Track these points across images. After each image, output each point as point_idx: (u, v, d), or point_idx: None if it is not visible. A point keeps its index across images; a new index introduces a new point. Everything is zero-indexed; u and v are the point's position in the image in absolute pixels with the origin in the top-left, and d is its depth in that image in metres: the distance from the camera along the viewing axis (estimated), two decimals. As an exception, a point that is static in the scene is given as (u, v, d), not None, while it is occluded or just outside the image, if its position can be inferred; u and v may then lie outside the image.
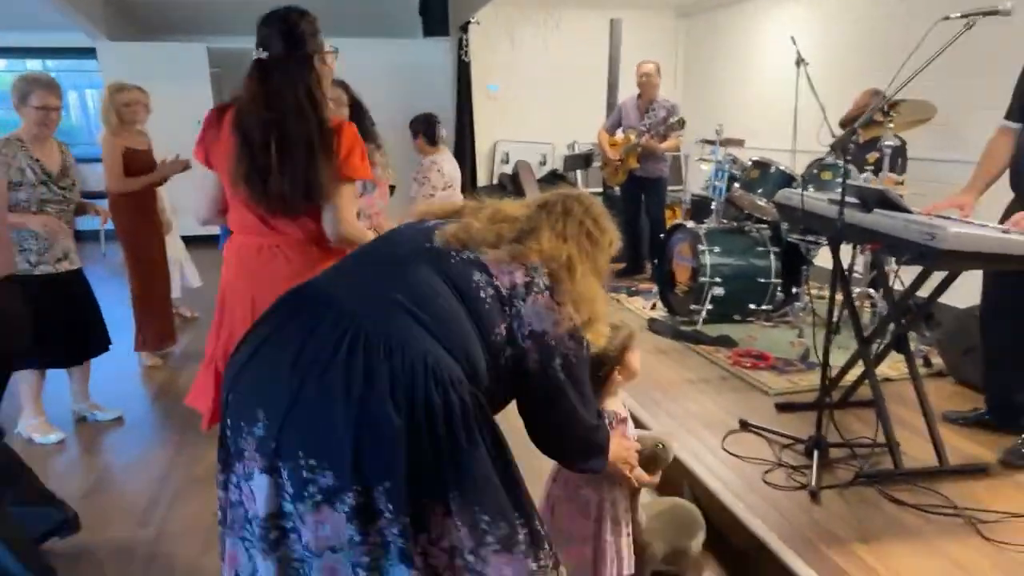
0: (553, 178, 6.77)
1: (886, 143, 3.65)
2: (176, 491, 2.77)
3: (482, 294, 1.29)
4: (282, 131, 1.86)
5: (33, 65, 8.53)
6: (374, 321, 1.21)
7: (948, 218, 2.46)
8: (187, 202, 2.35)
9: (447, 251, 1.33)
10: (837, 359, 2.98)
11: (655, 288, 4.80)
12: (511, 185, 6.63)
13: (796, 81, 4.49)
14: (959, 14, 2.37)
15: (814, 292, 4.63)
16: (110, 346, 3.38)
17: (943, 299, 2.63)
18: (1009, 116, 2.74)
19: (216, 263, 2.26)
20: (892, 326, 2.79)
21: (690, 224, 4.50)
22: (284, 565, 1.23)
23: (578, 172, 6.79)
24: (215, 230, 4.49)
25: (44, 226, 2.92)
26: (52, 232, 2.95)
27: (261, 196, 1.89)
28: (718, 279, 4.18)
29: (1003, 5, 2.28)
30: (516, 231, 1.38)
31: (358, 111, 3.20)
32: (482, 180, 7.04)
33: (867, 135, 4.16)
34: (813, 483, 2.40)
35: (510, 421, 1.41)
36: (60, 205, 3.04)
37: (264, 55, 1.86)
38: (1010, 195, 2.72)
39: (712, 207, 4.72)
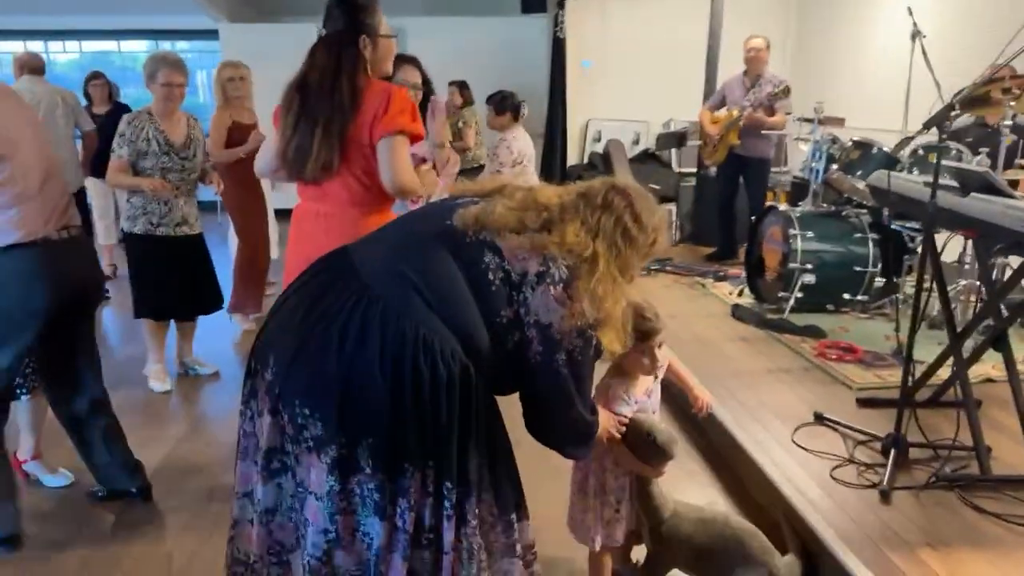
0: (645, 157, 6.62)
1: (1005, 124, 3.32)
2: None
3: (490, 276, 1.30)
4: (303, 103, 2.00)
5: (165, 46, 9.23)
6: (380, 291, 1.28)
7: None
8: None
9: (463, 231, 1.34)
10: (934, 355, 2.78)
11: (744, 274, 4.63)
12: (602, 164, 6.54)
13: (911, 56, 4.16)
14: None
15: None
16: (222, 305, 3.66)
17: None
18: None
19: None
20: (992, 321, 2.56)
21: (783, 207, 4.29)
22: (278, 494, 1.34)
23: (672, 151, 6.61)
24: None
25: (151, 188, 3.20)
26: (157, 192, 3.22)
27: (284, 164, 2.07)
28: (809, 265, 3.97)
29: None
30: (542, 220, 1.36)
31: (426, 88, 3.27)
32: (573, 159, 6.99)
33: (996, 116, 3.80)
34: (885, 482, 2.26)
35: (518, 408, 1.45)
36: (181, 174, 3.32)
37: (323, 32, 1.97)
38: None
39: (810, 190, 4.48)
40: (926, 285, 2.43)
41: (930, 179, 2.33)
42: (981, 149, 3.50)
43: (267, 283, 4.56)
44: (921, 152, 3.77)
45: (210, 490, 2.59)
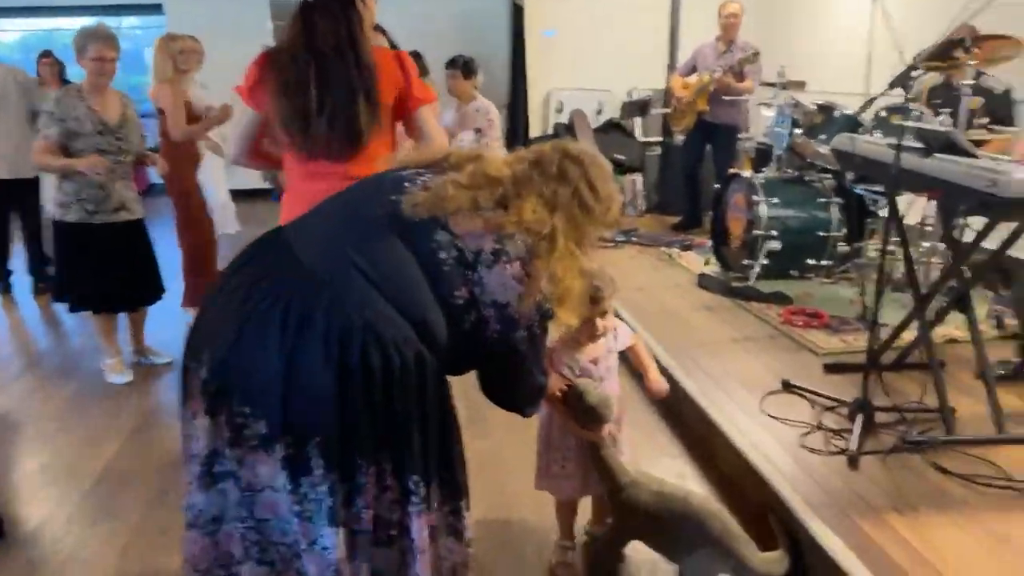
0: (609, 127, 6.53)
1: (966, 84, 3.30)
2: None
3: (442, 255, 1.22)
4: (320, 71, 1.85)
5: (110, 23, 8.82)
6: (323, 277, 1.19)
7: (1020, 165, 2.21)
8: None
9: (410, 213, 1.25)
10: (900, 319, 2.78)
11: (710, 243, 4.60)
12: (566, 135, 6.45)
13: (871, 19, 4.13)
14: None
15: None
16: (163, 295, 3.50)
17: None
18: None
19: (263, 215, 2.29)
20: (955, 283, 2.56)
21: (747, 173, 4.25)
22: (222, 501, 1.25)
23: (636, 120, 6.53)
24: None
25: (88, 165, 2.99)
26: (93, 168, 2.99)
27: (303, 140, 1.90)
28: (774, 232, 3.95)
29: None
30: (497, 196, 1.27)
31: None
32: (536, 130, 6.86)
33: (960, 77, 3.77)
34: (853, 448, 2.25)
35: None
36: (117, 156, 3.13)
37: None
38: None
39: (773, 155, 4.44)
40: (890, 248, 2.41)
41: (894, 141, 2.30)
42: (944, 110, 3.48)
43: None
44: (883, 114, 3.74)
45: (163, 485, 2.49)
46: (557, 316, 1.30)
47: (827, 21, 6.01)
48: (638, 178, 6.15)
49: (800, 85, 4.50)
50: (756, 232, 3.95)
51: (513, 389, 1.43)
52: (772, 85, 4.44)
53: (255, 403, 1.15)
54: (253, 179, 4.66)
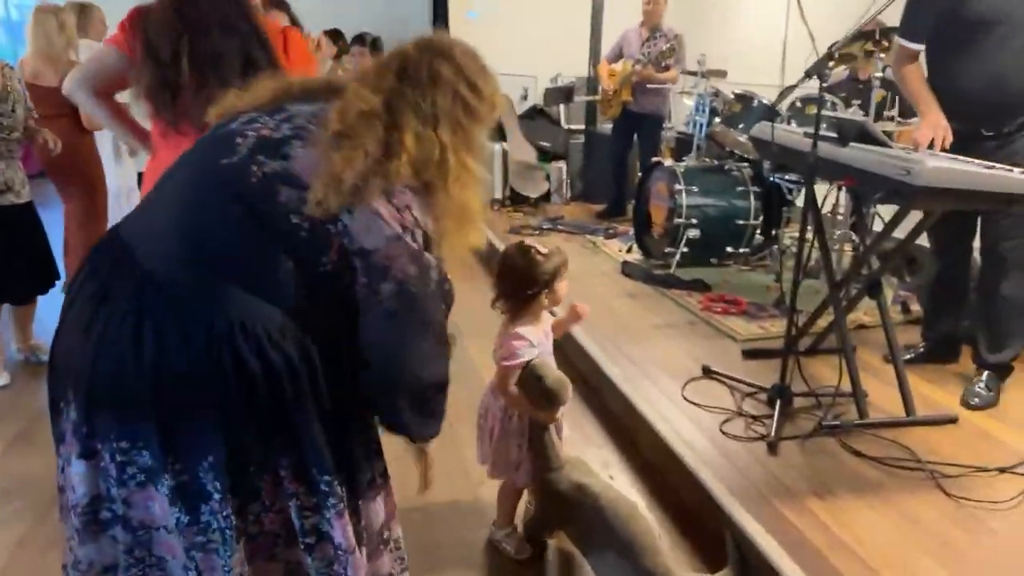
0: (534, 114, 6.48)
1: (876, 76, 3.41)
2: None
3: (293, 218, 1.03)
4: (194, 46, 1.70)
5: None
6: (167, 277, 1.03)
7: (934, 153, 2.28)
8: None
9: (247, 166, 1.05)
10: (813, 305, 2.84)
11: (632, 231, 4.61)
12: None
13: (787, 7, 4.21)
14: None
15: (796, 235, 4.46)
16: (56, 283, 3.22)
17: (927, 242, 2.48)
18: (913, 37, 2.51)
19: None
20: (865, 270, 2.62)
21: (668, 162, 4.28)
22: (114, 549, 1.10)
23: (560, 107, 6.50)
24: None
25: None
26: None
27: (169, 112, 1.76)
28: (694, 220, 3.99)
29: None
30: (380, 138, 1.06)
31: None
32: (460, 115, 6.77)
33: (866, 70, 3.90)
34: (772, 434, 2.28)
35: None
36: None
37: None
38: None
39: (694, 144, 4.50)
40: (807, 236, 2.44)
41: (810, 130, 2.32)
42: (854, 102, 3.59)
43: None
44: (799, 104, 3.84)
45: (50, 498, 2.26)
46: (465, 236, 1.14)
47: (745, 10, 6.13)
48: (563, 166, 6.13)
49: (721, 74, 4.57)
50: (677, 220, 3.98)
51: (387, 380, 1.12)
52: (693, 74, 4.48)
53: (132, 435, 1.01)
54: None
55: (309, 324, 1.07)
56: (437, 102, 1.09)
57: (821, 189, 3.60)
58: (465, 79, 1.12)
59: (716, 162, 4.36)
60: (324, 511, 1.11)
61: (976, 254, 2.68)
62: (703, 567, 1.87)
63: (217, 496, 1.03)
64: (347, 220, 1.04)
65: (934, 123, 2.38)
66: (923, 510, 1.95)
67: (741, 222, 4.06)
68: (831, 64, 2.34)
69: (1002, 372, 2.62)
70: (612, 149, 5.52)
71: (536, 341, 1.78)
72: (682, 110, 4.99)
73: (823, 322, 2.84)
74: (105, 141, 3.90)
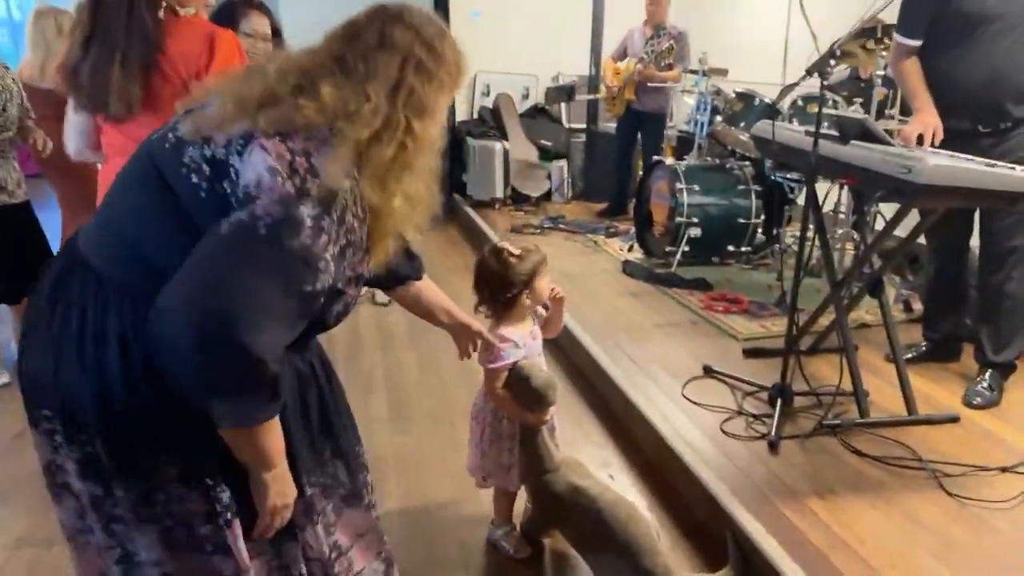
0: (535, 112, 6.47)
1: (877, 74, 3.40)
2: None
3: (193, 177, 0.96)
4: (95, 21, 1.76)
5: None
6: (103, 270, 1.03)
7: (934, 151, 2.27)
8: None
9: (166, 134, 1.01)
10: (815, 303, 2.83)
11: (634, 229, 4.61)
12: (492, 119, 6.34)
13: (788, 5, 4.19)
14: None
15: (797, 234, 4.44)
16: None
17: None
18: (910, 33, 2.51)
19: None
20: (867, 269, 2.62)
21: (669, 161, 4.27)
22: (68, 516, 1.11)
23: (562, 106, 6.49)
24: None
25: None
26: None
27: (70, 88, 1.83)
28: (695, 219, 3.98)
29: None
30: (290, 85, 0.98)
31: (277, 40, 2.90)
32: (462, 114, 6.73)
33: (868, 68, 3.89)
34: (773, 433, 2.27)
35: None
36: None
37: None
38: None
39: (695, 143, 4.48)
40: (808, 234, 2.43)
41: (811, 128, 2.32)
42: (855, 100, 3.58)
43: None
44: (800, 103, 3.83)
45: (48, 499, 2.26)
46: (417, 224, 1.08)
47: (747, 9, 6.12)
48: (564, 164, 6.13)
49: (723, 72, 4.55)
50: (678, 219, 3.97)
51: (173, 302, 0.91)
52: (695, 72, 4.47)
53: (50, 405, 1.03)
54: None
55: None
56: (379, 64, 1.00)
57: (823, 187, 3.60)
58: (421, 40, 1.03)
59: (717, 161, 4.35)
60: (218, 519, 1.07)
61: (974, 252, 2.67)
62: (704, 567, 1.86)
63: (119, 492, 1.03)
64: (237, 164, 0.94)
65: (925, 120, 2.38)
66: (925, 509, 1.94)
67: (742, 221, 4.05)
68: (832, 62, 2.33)
69: (1005, 371, 2.60)
70: (616, 147, 5.51)
71: (521, 342, 1.77)
72: (683, 109, 4.98)
73: (824, 321, 2.83)
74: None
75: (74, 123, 1.96)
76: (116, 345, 0.98)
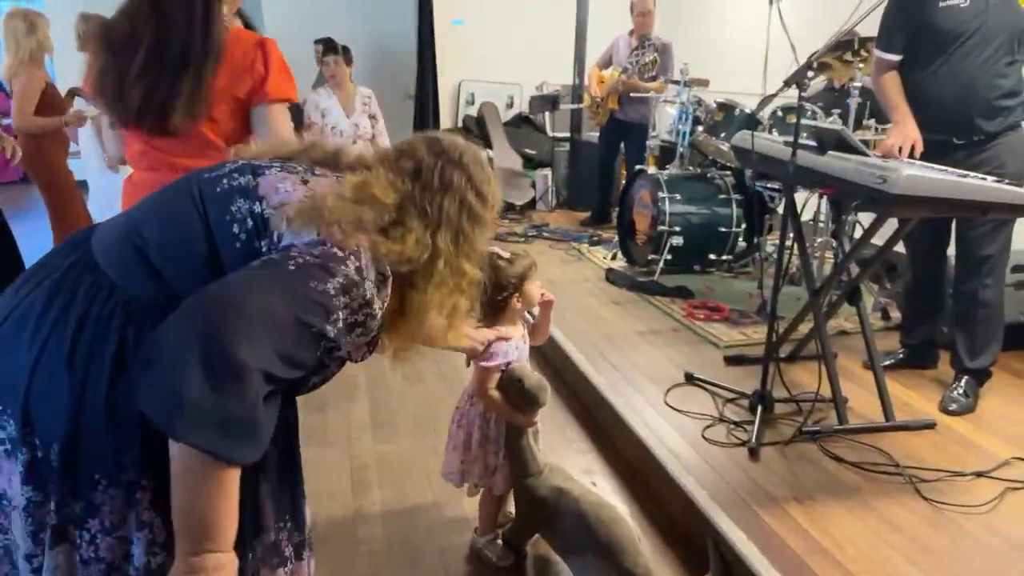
0: (520, 121, 6.51)
1: (854, 85, 3.46)
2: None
3: (234, 227, 0.99)
4: (158, 38, 1.61)
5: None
6: (99, 260, 1.03)
7: (909, 163, 2.31)
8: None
9: (220, 179, 1.05)
10: (795, 311, 2.87)
11: (617, 238, 4.64)
12: (476, 128, 6.36)
13: (768, 17, 4.25)
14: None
15: (778, 243, 4.49)
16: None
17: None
18: (889, 49, 2.58)
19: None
20: (845, 277, 2.66)
21: (651, 170, 4.31)
22: None
23: (546, 115, 6.53)
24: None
25: None
26: None
27: (117, 107, 1.65)
28: (677, 228, 4.02)
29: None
30: (382, 222, 1.04)
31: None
32: (446, 122, 6.75)
33: (842, 78, 3.96)
34: (753, 439, 2.29)
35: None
36: None
37: None
38: None
39: (677, 153, 4.53)
40: (787, 243, 2.47)
41: (790, 139, 2.35)
42: (833, 111, 3.64)
43: None
44: (780, 113, 3.89)
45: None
46: (448, 339, 1.18)
47: (728, 20, 6.20)
48: (548, 173, 6.16)
49: (704, 83, 4.61)
50: (660, 228, 4.01)
51: (191, 311, 0.89)
52: (676, 83, 4.52)
53: (3, 400, 0.99)
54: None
55: None
56: (445, 207, 1.11)
57: (801, 197, 3.65)
58: (473, 187, 1.15)
59: (699, 170, 4.39)
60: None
61: (951, 260, 2.72)
62: (685, 572, 1.88)
63: (54, 484, 0.98)
64: (284, 230, 0.99)
65: (905, 133, 2.43)
66: (901, 514, 1.97)
67: (723, 229, 4.09)
68: (810, 74, 2.38)
69: (980, 378, 2.65)
70: (599, 156, 5.55)
71: (513, 346, 1.79)
72: (665, 119, 5.03)
73: (804, 328, 2.87)
74: (91, 155, 3.87)
75: (111, 134, 1.89)
76: (111, 357, 0.97)
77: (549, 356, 3.13)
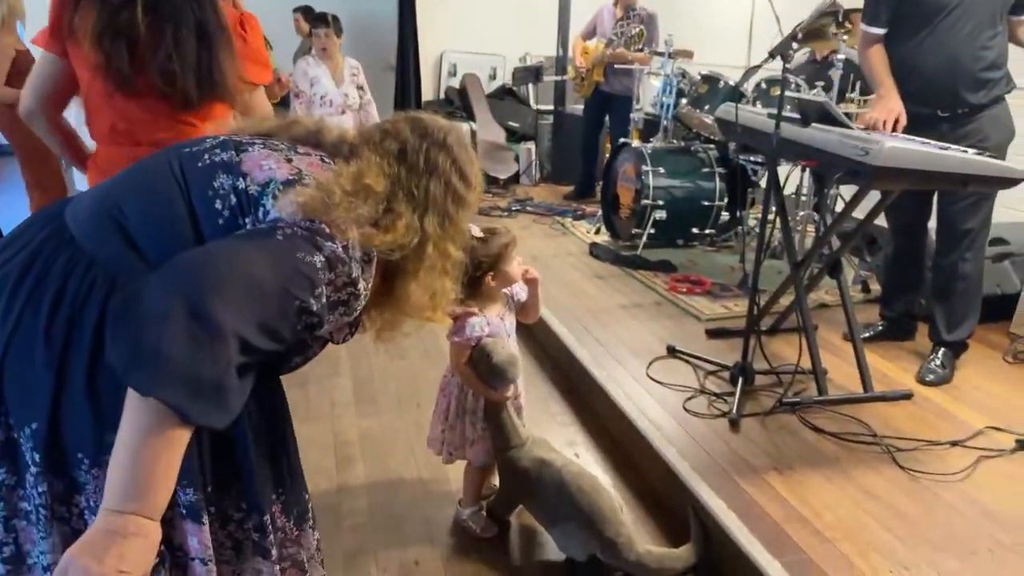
0: (503, 93, 6.44)
1: (838, 57, 3.45)
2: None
3: (217, 203, 0.98)
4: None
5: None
6: (81, 242, 0.99)
7: (892, 135, 2.31)
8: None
9: (202, 154, 1.02)
10: (776, 285, 2.89)
11: (600, 212, 4.63)
12: (459, 100, 6.29)
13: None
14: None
15: (760, 216, 4.51)
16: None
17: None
18: (874, 22, 2.57)
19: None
20: (826, 250, 2.67)
21: (635, 143, 4.29)
22: None
23: (529, 87, 6.46)
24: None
25: None
26: None
27: (124, 64, 1.55)
28: (660, 202, 4.02)
29: None
30: (375, 214, 1.03)
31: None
32: (428, 94, 6.67)
33: (824, 50, 3.95)
34: (734, 411, 2.32)
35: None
36: None
37: None
38: None
39: (661, 126, 4.51)
40: (770, 217, 2.47)
41: (774, 111, 2.34)
42: (817, 83, 3.63)
43: None
44: (764, 86, 3.87)
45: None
46: (432, 318, 1.15)
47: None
48: (532, 146, 6.11)
49: (688, 55, 4.57)
50: (644, 201, 4.00)
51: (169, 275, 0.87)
52: (660, 55, 4.48)
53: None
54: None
55: None
56: (431, 190, 1.10)
57: (784, 171, 3.66)
58: (458, 169, 1.13)
59: (683, 143, 4.38)
60: (177, 520, 0.99)
61: (932, 234, 2.75)
62: (666, 542, 1.90)
63: (34, 470, 0.96)
64: (269, 205, 0.98)
65: (889, 107, 2.43)
66: (878, 483, 2.00)
67: (706, 203, 4.09)
68: (794, 45, 2.36)
69: (956, 349, 2.69)
70: (583, 129, 5.51)
71: (486, 321, 1.79)
72: (649, 91, 5.00)
73: (785, 301, 2.89)
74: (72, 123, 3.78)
75: (37, 78, 1.72)
76: (91, 330, 0.94)
77: (533, 330, 3.14)
